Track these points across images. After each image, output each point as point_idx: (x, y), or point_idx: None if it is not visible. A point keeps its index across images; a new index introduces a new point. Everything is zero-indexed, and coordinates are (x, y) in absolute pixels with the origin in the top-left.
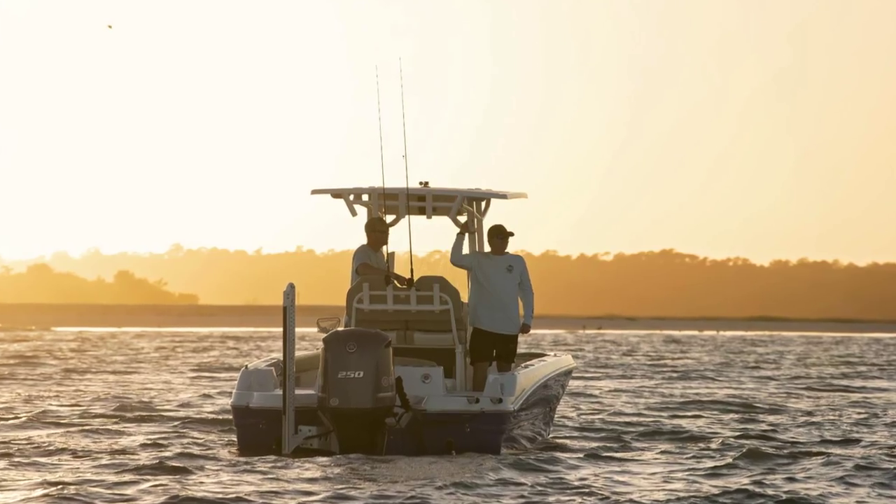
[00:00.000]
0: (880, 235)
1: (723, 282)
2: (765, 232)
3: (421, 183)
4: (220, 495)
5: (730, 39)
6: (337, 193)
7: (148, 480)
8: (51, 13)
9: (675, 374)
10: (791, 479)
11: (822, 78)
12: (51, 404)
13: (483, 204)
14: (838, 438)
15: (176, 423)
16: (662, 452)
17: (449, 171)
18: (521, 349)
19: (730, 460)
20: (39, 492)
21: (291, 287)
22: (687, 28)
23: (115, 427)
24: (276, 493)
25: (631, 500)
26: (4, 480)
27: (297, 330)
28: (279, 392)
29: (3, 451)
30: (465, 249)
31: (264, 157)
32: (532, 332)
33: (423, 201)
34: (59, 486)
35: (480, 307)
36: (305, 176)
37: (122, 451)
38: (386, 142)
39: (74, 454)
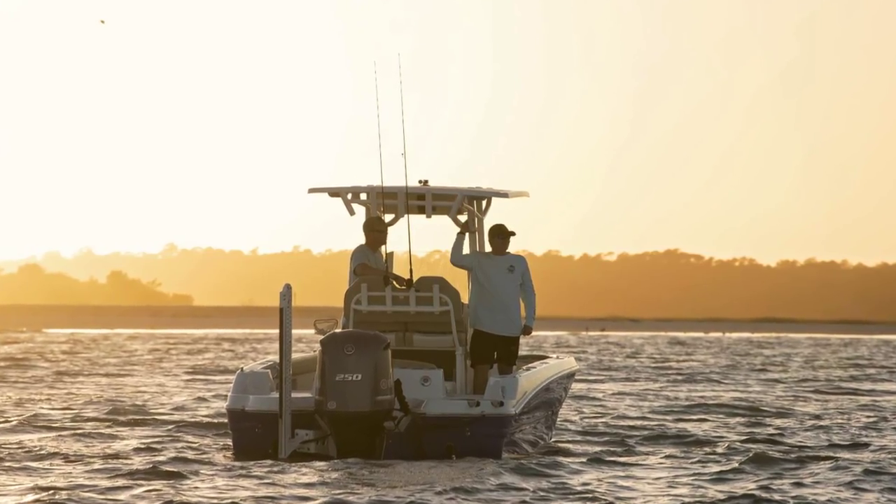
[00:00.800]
0: (890, 235)
1: (729, 282)
2: (772, 231)
3: (420, 181)
4: (215, 500)
5: (735, 34)
6: (334, 192)
7: (141, 485)
8: (42, 9)
9: (679, 377)
10: (798, 484)
11: (831, 73)
12: (42, 407)
13: (484, 203)
14: (847, 442)
15: (170, 426)
16: (667, 457)
17: (449, 169)
18: (522, 351)
19: (736, 465)
20: (31, 497)
21: (288, 288)
22: (692, 23)
23: (108, 431)
24: (272, 498)
25: None
26: None
27: (294, 332)
28: (275, 395)
29: None
30: (466, 249)
31: (260, 156)
32: (534, 333)
33: (423, 200)
34: (51, 492)
35: (481, 308)
36: (302, 174)
37: (115, 456)
38: (385, 139)
39: (66, 458)
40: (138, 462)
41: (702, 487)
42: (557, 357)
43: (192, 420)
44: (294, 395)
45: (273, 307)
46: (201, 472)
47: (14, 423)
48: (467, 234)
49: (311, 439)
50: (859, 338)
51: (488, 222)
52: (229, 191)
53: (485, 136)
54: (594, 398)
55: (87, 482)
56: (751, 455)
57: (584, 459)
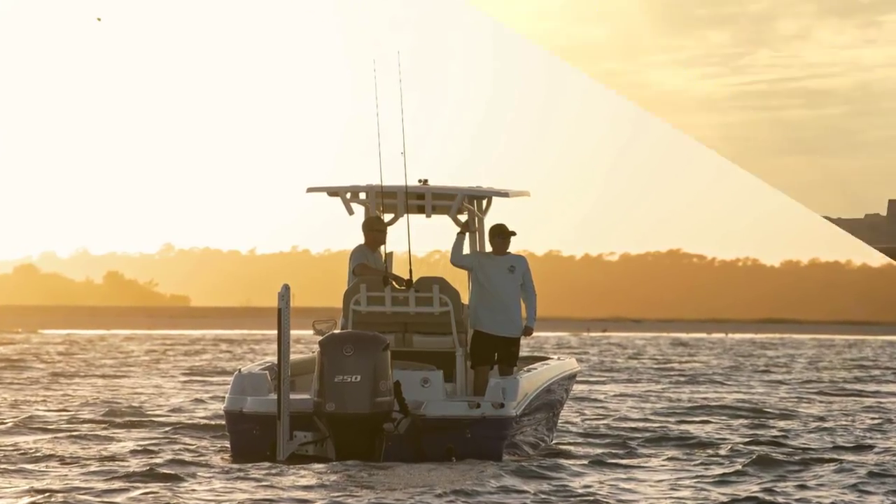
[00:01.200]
0: None
1: (732, 283)
2: (775, 231)
3: (420, 181)
4: (212, 503)
5: None
6: (333, 191)
7: (138, 488)
8: (37, 5)
9: (682, 378)
10: (802, 487)
11: None
12: (38, 409)
13: (484, 202)
14: (851, 444)
15: (167, 428)
16: (669, 459)
17: (449, 168)
18: (523, 352)
19: (739, 467)
20: (26, 499)
21: (286, 288)
22: None
23: (105, 433)
24: (270, 500)
25: None
26: None
27: (293, 332)
28: (273, 397)
29: None
30: (466, 249)
31: (259, 155)
32: (535, 334)
33: (423, 200)
34: (47, 494)
35: (481, 309)
36: (301, 173)
37: (112, 458)
38: (384, 138)
39: (62, 461)
40: (135, 464)
41: (704, 490)
42: (559, 358)
43: (190, 422)
44: (292, 396)
45: (271, 308)
46: (199, 474)
47: (10, 424)
48: (467, 234)
49: (310, 441)
50: (864, 339)
51: (489, 222)
52: (227, 190)
53: (485, 135)
54: (596, 400)
55: (83, 485)
56: (754, 457)
57: (585, 462)
